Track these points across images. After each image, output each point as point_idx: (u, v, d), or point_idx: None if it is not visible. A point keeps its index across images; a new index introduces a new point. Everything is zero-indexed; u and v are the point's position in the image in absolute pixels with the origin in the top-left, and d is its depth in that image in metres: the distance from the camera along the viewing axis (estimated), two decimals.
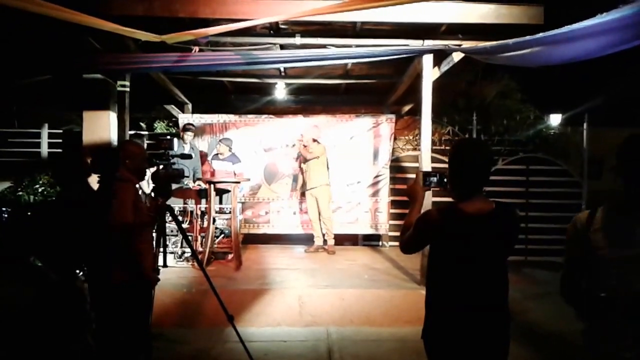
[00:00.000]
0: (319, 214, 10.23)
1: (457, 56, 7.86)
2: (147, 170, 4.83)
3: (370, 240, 11.66)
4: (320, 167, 10.13)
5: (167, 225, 7.94)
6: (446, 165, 3.08)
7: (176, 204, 9.46)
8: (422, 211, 3.18)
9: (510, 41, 5.95)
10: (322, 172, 10.15)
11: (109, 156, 4.54)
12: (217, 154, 10.45)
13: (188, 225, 9.16)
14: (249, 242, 11.31)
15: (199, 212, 9.29)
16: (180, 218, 8.88)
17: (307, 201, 10.40)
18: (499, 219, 2.98)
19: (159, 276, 4.79)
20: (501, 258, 3.01)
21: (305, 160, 10.23)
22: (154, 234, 5.13)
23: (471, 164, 3.00)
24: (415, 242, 3.17)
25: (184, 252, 8.97)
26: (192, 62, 7.45)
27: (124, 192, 4.40)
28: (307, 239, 11.10)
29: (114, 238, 4.27)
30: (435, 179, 3.33)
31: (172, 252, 8.84)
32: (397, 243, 10.97)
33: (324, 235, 10.40)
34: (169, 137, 5.23)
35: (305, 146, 10.17)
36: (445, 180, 3.23)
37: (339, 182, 11.16)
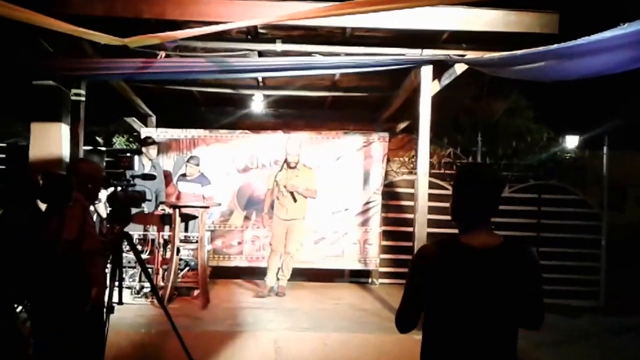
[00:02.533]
0: (284, 246, 9.83)
1: (459, 68, 7.89)
2: (101, 191, 4.88)
3: (359, 277, 11.58)
4: (300, 188, 9.70)
5: (125, 255, 7.91)
6: (446, 192, 3.09)
7: (135, 230, 9.26)
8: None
9: (519, 52, 5.99)
10: (304, 203, 9.84)
11: (63, 186, 4.48)
12: (183, 175, 10.42)
13: (148, 256, 9.04)
14: (218, 276, 10.99)
15: (161, 241, 9.22)
16: (139, 247, 8.81)
17: (274, 228, 9.84)
18: (507, 257, 2.92)
19: (114, 314, 4.80)
20: (509, 302, 2.90)
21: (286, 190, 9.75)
22: (109, 266, 5.14)
23: (478, 192, 2.97)
24: (410, 293, 3.07)
25: (142, 287, 8.87)
26: (157, 69, 7.54)
27: (68, 211, 4.43)
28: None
29: (59, 262, 4.33)
30: None
31: (129, 287, 8.75)
32: (389, 280, 11.22)
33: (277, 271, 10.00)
34: (129, 154, 5.38)
35: (292, 167, 9.68)
36: None
37: (323, 209, 11.05)
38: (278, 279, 9.90)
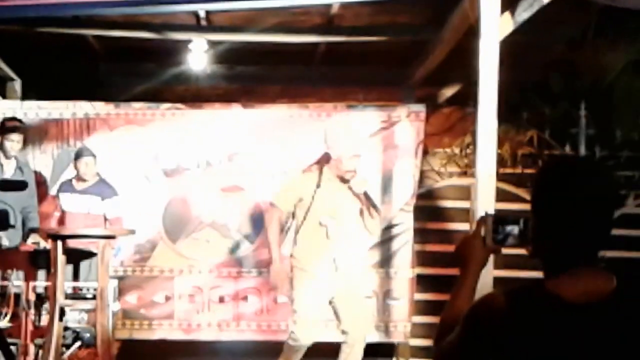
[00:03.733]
0: (336, 314, 7.48)
1: None
2: None
3: (376, 355, 9.12)
4: (355, 217, 7.46)
5: None
6: (525, 207, 2.43)
7: None
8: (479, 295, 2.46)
9: None
10: (357, 228, 7.57)
11: None
12: (70, 181, 8.87)
13: (9, 324, 7.83)
14: (132, 355, 9.25)
15: (32, 297, 8.02)
16: None
17: (299, 293, 7.43)
18: (626, 315, 2.15)
19: None
20: None
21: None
22: None
23: (578, 207, 2.18)
24: (460, 354, 2.41)
25: None
26: None
27: None
28: (252, 353, 9.22)
29: None
30: (515, 230, 2.48)
31: None
32: None
33: None
34: None
35: (346, 180, 7.23)
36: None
37: None
38: None
